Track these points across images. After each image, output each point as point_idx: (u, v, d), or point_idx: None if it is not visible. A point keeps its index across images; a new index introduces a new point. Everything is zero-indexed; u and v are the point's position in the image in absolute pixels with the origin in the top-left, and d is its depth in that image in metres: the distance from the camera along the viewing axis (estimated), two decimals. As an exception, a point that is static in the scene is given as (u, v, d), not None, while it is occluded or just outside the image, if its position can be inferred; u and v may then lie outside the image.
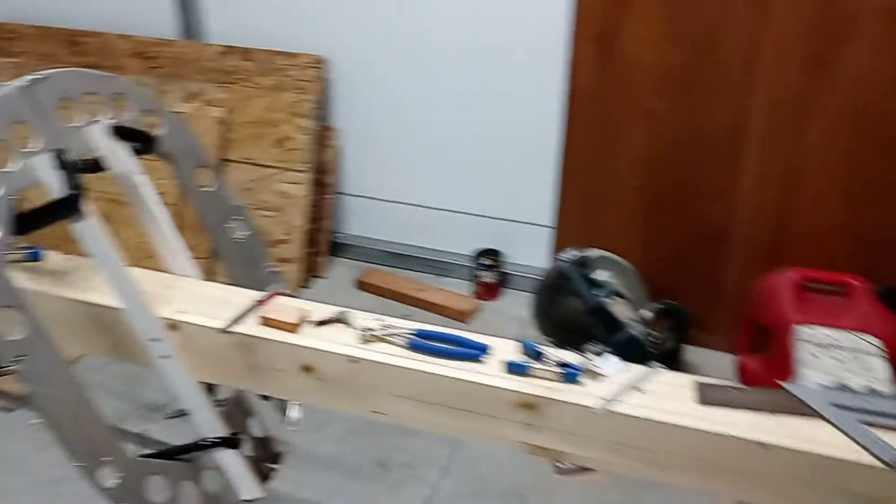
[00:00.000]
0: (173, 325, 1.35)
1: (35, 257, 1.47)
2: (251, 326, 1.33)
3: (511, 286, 3.04)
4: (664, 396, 1.21)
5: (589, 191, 2.73)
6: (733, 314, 2.62)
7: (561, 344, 2.27)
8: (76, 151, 1.34)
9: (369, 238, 3.22)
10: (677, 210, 2.63)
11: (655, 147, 2.58)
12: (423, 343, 1.28)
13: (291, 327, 1.32)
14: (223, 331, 1.32)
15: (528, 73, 2.74)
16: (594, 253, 2.33)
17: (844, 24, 2.28)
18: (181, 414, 1.56)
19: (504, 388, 1.22)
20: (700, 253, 2.64)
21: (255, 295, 1.39)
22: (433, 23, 2.80)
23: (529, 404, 1.22)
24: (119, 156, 1.40)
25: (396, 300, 2.96)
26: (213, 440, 1.39)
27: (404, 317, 1.36)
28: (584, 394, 1.21)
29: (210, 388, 1.51)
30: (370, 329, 1.31)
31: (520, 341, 1.29)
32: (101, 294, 1.37)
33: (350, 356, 1.27)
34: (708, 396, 1.21)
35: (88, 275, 1.43)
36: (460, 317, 2.86)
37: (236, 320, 1.34)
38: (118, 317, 1.35)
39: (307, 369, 1.31)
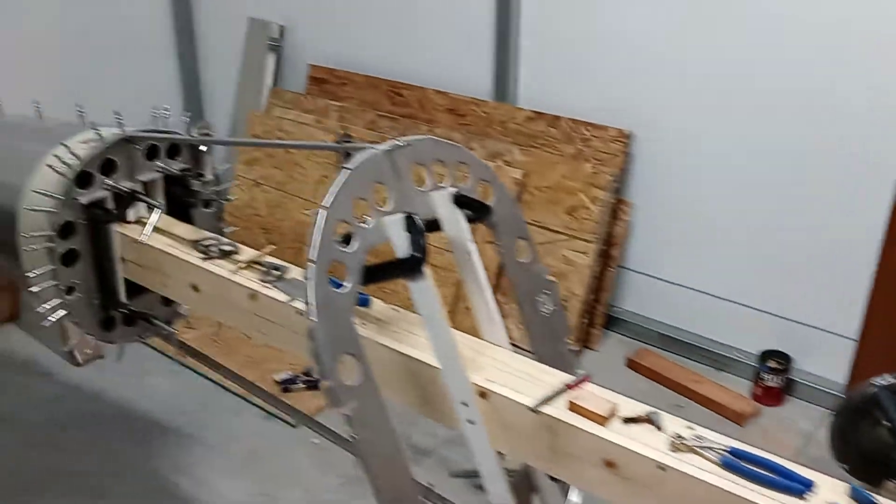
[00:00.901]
0: (483, 393, 1.38)
1: (364, 303, 1.58)
2: (560, 410, 1.33)
3: (795, 394, 2.82)
4: None
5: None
6: None
7: (857, 474, 2.07)
8: (420, 213, 1.43)
9: (646, 317, 3.14)
10: None
11: None
12: (738, 463, 1.21)
13: (601, 419, 1.30)
14: (532, 409, 1.33)
15: (850, 166, 2.55)
16: (914, 381, 2.09)
17: None
18: (468, 475, 1.61)
19: (830, 537, 1.11)
20: None
21: (564, 377, 1.39)
22: (751, 109, 2.70)
23: (857, 561, 1.10)
24: (457, 222, 1.47)
25: (668, 387, 2.85)
26: (504, 513, 1.39)
27: (675, 407, 1.30)
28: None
29: (501, 456, 1.52)
30: (681, 437, 1.25)
31: (849, 484, 1.18)
32: (421, 350, 1.43)
33: (659, 462, 1.22)
34: None
35: (410, 328, 1.50)
36: (737, 419, 2.69)
37: (545, 401, 1.34)
38: (433, 375, 1.41)
39: (610, 465, 1.28)
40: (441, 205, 1.47)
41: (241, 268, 1.70)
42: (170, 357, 3.03)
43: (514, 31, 3.11)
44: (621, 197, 3.02)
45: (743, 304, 2.89)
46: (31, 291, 1.78)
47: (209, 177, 1.81)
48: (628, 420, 1.31)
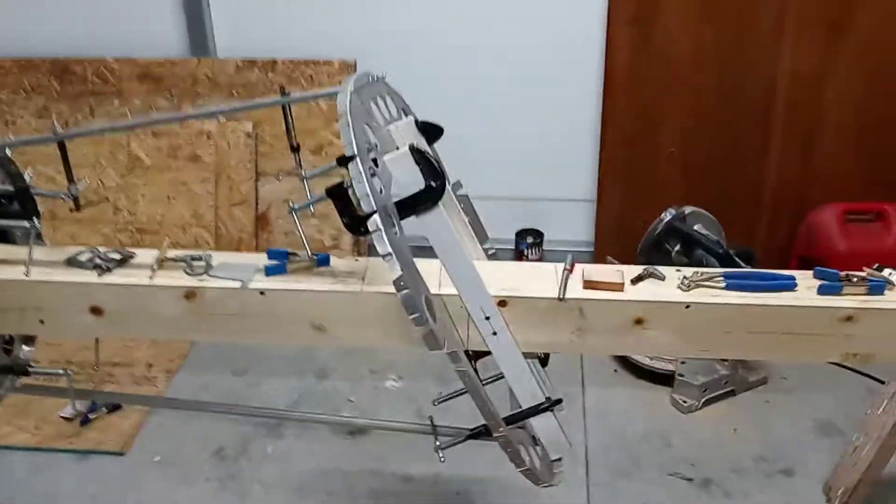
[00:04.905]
0: (503, 302, 1.42)
1: (325, 262, 1.49)
2: (579, 291, 1.43)
3: (551, 259, 3.20)
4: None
5: (628, 163, 2.96)
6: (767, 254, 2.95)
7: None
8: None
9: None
10: (712, 171, 2.92)
11: (693, 118, 2.86)
12: (741, 282, 1.44)
13: (619, 287, 1.43)
14: (560, 300, 1.41)
15: (565, 57, 2.92)
16: (688, 209, 2.54)
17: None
18: (449, 397, 1.64)
19: (831, 307, 1.40)
20: (738, 206, 2.93)
21: (558, 265, 1.49)
22: (466, 16, 2.91)
23: (851, 317, 1.40)
24: (424, 147, 1.46)
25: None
26: (547, 404, 1.47)
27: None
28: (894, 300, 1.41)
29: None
30: (687, 278, 1.44)
31: (812, 271, 1.48)
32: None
33: (685, 302, 1.41)
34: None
35: (382, 271, 1.46)
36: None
37: (563, 288, 1.43)
38: (441, 304, 1.40)
39: (638, 321, 1.43)
40: (406, 134, 1.44)
41: (157, 270, 1.47)
42: None
43: (201, -22, 2.92)
44: (359, 125, 3.07)
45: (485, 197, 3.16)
46: None
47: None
48: (635, 280, 1.46)
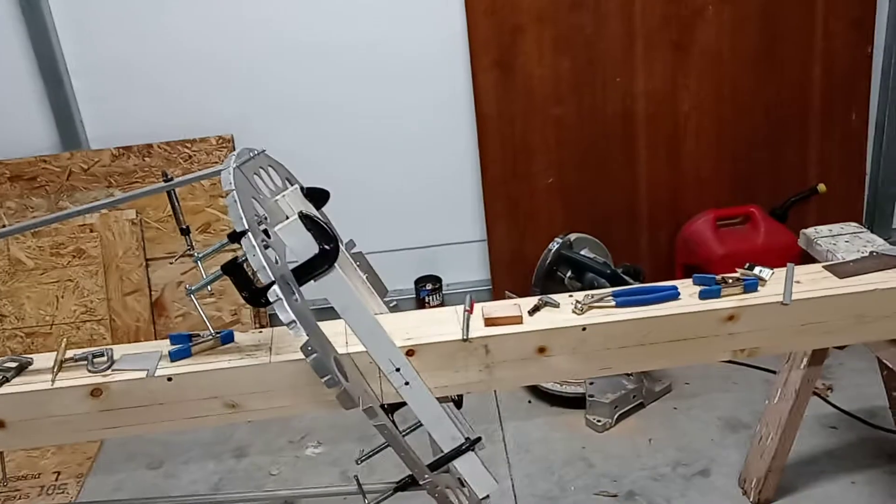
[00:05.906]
0: (411, 352, 1.46)
1: (230, 338, 1.50)
2: (482, 330, 1.49)
3: (452, 303, 3.27)
4: (814, 281, 1.57)
5: (511, 199, 3.07)
6: (653, 267, 3.10)
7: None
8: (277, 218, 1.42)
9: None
10: (590, 195, 3.06)
11: (563, 148, 3.00)
12: (629, 298, 1.53)
13: (517, 320, 1.50)
14: (465, 340, 1.46)
15: (439, 106, 3.03)
16: (573, 236, 2.66)
17: (692, 11, 2.87)
18: (372, 453, 1.66)
19: (713, 310, 1.50)
20: (616, 224, 3.08)
21: (458, 307, 1.55)
22: (337, 76, 2.98)
23: (732, 316, 1.51)
24: (313, 213, 1.49)
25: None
26: (467, 444, 1.50)
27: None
28: (768, 295, 1.53)
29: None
30: (580, 302, 1.53)
31: (692, 278, 1.58)
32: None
33: (581, 325, 1.48)
34: (842, 272, 1.59)
35: (287, 340, 1.48)
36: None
37: (466, 329, 1.49)
38: (350, 363, 1.44)
39: (541, 350, 1.49)
40: (294, 203, 1.47)
41: (57, 372, 1.44)
42: None
43: (64, 72, 2.88)
44: (245, 198, 3.07)
45: (381, 251, 3.21)
46: None
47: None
48: (532, 311, 1.53)
